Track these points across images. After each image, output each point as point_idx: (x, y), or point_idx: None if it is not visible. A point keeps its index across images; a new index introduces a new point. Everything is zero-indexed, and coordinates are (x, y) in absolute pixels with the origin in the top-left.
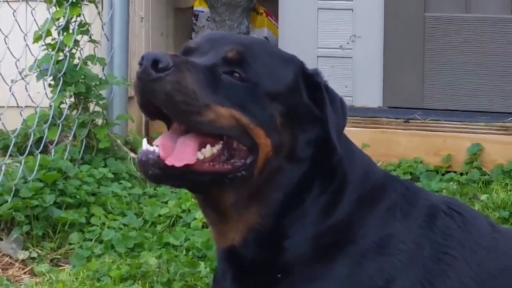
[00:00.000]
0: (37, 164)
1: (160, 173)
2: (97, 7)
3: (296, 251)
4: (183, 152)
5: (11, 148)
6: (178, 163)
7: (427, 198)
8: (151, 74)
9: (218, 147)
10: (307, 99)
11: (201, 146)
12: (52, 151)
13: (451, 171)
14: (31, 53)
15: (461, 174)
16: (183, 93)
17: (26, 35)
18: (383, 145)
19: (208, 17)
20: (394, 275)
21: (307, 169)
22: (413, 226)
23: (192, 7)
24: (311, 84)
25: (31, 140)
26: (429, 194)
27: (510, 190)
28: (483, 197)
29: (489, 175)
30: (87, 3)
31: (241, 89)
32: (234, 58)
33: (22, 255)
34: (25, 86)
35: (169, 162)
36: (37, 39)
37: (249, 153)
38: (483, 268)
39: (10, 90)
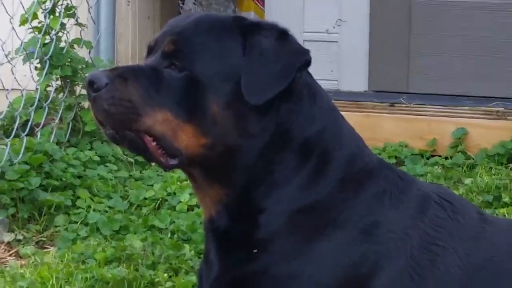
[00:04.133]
0: (23, 147)
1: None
2: None
3: (271, 226)
4: None
5: None
6: None
7: (419, 188)
8: (90, 95)
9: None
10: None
11: None
12: (38, 134)
13: (435, 155)
14: (17, 36)
15: (446, 158)
16: (118, 105)
17: (12, 18)
18: (368, 129)
19: (195, 0)
20: (380, 263)
21: (267, 141)
22: (403, 215)
23: None
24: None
25: (17, 123)
26: (422, 184)
27: (494, 174)
28: (468, 181)
29: (473, 159)
30: None
31: (178, 82)
32: (170, 50)
33: (8, 237)
34: (11, 69)
35: None
36: (23, 22)
37: (179, 151)
38: (471, 258)
39: None
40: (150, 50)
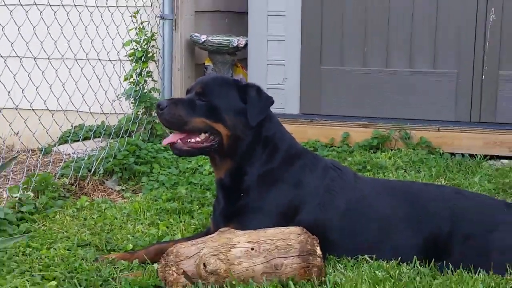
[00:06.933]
0: (125, 142)
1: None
2: (156, 63)
3: (249, 182)
4: (178, 138)
5: (112, 134)
6: (177, 145)
7: (324, 162)
8: (158, 112)
9: (202, 136)
10: (241, 103)
11: (195, 136)
12: (133, 136)
13: (334, 146)
14: (122, 86)
15: (338, 147)
16: (173, 117)
17: (120, 77)
18: (298, 133)
19: (212, 69)
20: (304, 200)
21: (251, 139)
22: (315, 177)
23: (204, 63)
24: (242, 92)
25: (122, 130)
26: (325, 160)
27: (362, 155)
28: (350, 159)
29: (352, 148)
30: (151, 61)
31: (205, 107)
32: (200, 91)
33: (118, 188)
34: (119, 103)
35: (176, 144)
36: (125, 78)
37: (216, 137)
38: (350, 197)
39: (112, 105)
40: (188, 91)
